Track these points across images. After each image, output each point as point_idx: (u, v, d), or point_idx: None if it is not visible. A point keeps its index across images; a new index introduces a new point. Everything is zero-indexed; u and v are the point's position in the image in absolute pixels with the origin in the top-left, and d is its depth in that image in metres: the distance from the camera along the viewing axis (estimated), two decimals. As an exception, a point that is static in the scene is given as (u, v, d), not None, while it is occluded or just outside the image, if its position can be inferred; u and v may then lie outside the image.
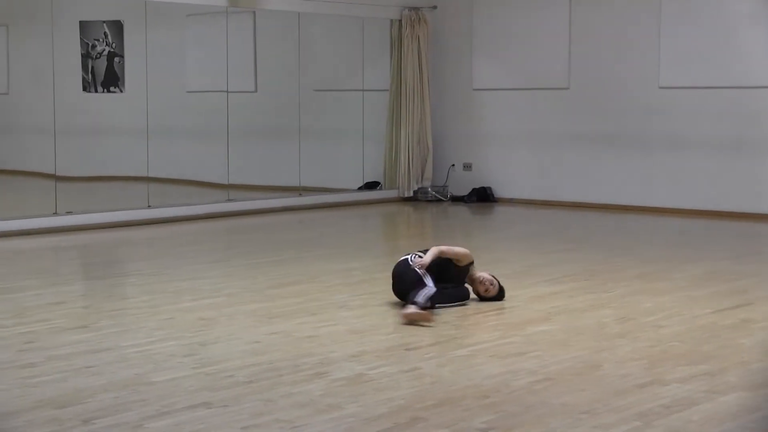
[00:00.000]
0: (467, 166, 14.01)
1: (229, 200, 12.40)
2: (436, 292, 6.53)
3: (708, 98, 11.98)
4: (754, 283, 7.80)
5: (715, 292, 7.43)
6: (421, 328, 6.20)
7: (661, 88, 12.32)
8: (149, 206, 11.59)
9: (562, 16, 13.00)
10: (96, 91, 12.25)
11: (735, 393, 4.89)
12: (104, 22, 12.14)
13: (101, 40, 12.15)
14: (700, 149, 12.12)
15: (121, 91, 12.22)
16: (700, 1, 11.96)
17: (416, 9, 13.75)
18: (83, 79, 12.12)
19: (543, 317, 6.59)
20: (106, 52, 12.16)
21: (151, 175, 11.84)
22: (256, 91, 13.50)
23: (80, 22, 12.07)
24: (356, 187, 13.99)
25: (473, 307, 6.87)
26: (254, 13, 12.86)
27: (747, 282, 7.85)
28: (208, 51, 12.91)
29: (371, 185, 14.07)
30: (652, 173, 12.48)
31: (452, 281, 6.90)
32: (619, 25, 12.63)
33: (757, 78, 11.61)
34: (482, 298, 6.98)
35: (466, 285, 7.00)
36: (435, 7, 13.97)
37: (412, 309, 6.33)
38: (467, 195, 13.78)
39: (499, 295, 6.99)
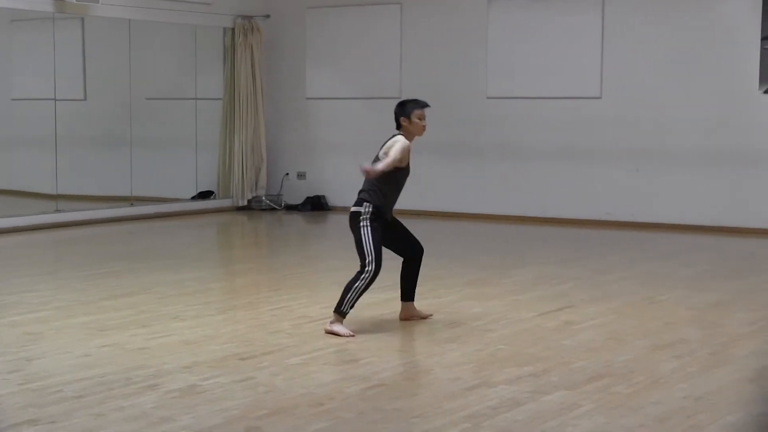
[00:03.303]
0: (301, 175, 14.06)
1: (58, 211, 12.08)
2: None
3: (534, 108, 12.40)
4: (575, 287, 8.12)
5: (540, 296, 7.70)
6: (254, 339, 6.20)
7: (488, 98, 12.68)
8: (-28, 218, 11.19)
9: (393, 26, 13.21)
10: None
11: (557, 392, 5.09)
12: None
13: None
14: (528, 157, 12.52)
15: (-60, 98, 11.78)
16: (526, 14, 12.36)
17: (249, 17, 13.72)
18: None
19: (375, 324, 6.69)
20: (-76, 57, 11.68)
21: (-26, 185, 11.44)
22: (85, 98, 13.20)
23: None
24: (190, 196, 13.85)
25: (307, 315, 6.91)
26: (83, 19, 12.57)
27: (569, 285, 8.16)
28: (35, 58, 12.55)
29: (205, 194, 13.95)
30: (483, 181, 12.81)
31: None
32: (448, 36, 12.92)
33: (576, 89, 12.09)
34: None
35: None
36: (268, 16, 13.97)
37: None
38: (301, 203, 13.83)
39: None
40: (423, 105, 6.59)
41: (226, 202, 13.80)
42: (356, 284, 6.35)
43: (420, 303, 6.99)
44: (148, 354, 5.81)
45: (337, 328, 6.30)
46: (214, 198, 13.91)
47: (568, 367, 5.59)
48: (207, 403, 4.88)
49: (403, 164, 6.42)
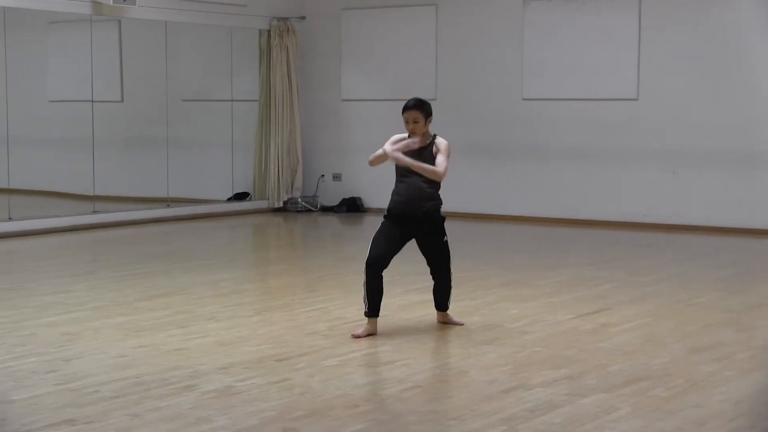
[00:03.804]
0: (337, 177, 14.08)
1: (95, 212, 12.16)
2: None
3: (569, 110, 12.34)
4: (612, 289, 8.06)
5: (576, 297, 7.65)
6: (289, 340, 6.21)
7: (524, 99, 12.63)
8: (10, 218, 11.27)
9: (428, 28, 13.20)
10: (-47, 99, 11.88)
11: (594, 395, 5.05)
12: (-39, 28, 11.79)
13: (-43, 46, 11.78)
14: (562, 159, 12.46)
15: (-20, 100, 11.88)
16: (562, 14, 12.30)
17: (285, 19, 13.75)
18: (-61, 87, 11.75)
19: (412, 325, 6.67)
20: (-37, 60, 11.80)
21: (13, 186, 11.53)
22: (122, 100, 13.29)
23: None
24: (225, 198, 13.90)
25: (343, 317, 6.91)
26: (119, 21, 12.66)
27: (605, 288, 8.10)
28: (72, 59, 12.65)
29: (241, 196, 14.00)
30: (517, 182, 12.76)
31: None
32: (484, 38, 12.88)
33: (612, 90, 12.01)
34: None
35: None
36: (304, 18, 14.00)
37: None
38: (337, 205, 13.84)
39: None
40: (404, 108, 6.35)
41: (262, 204, 13.83)
42: (364, 284, 6.38)
43: (456, 305, 6.96)
44: (184, 355, 5.83)
45: (364, 329, 6.36)
46: (250, 199, 13.95)
47: (605, 369, 5.54)
48: (243, 404, 4.89)
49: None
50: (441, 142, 6.37)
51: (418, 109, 6.28)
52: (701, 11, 11.61)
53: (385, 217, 6.49)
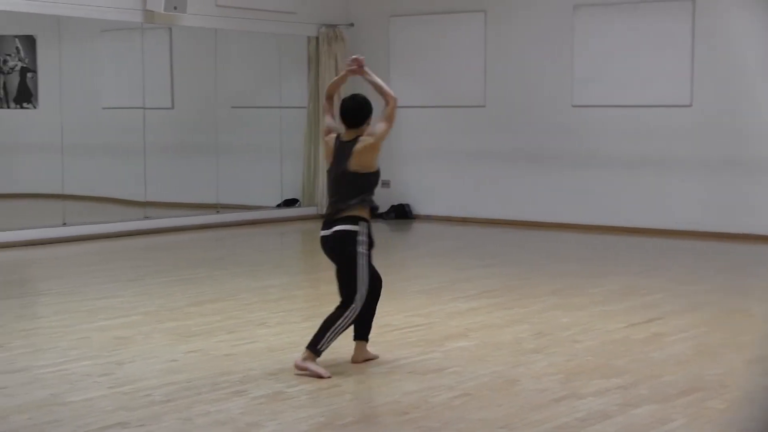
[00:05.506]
0: (385, 183, 14.06)
1: (146, 218, 12.27)
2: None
3: (620, 117, 12.24)
4: (663, 298, 7.97)
5: (628, 306, 7.57)
6: (338, 347, 6.21)
7: (574, 106, 12.55)
8: (64, 224, 11.41)
9: (477, 34, 13.17)
10: (8, 107, 12.05)
11: (647, 405, 4.99)
12: (16, 36, 11.96)
13: (13, 55, 11.96)
14: (612, 166, 12.36)
15: (35, 107, 12.05)
16: (613, 20, 12.21)
17: (333, 26, 13.79)
18: (-5, 94, 11.92)
19: (461, 333, 6.65)
20: (18, 68, 11.98)
21: (67, 192, 11.66)
22: (172, 107, 13.40)
23: (-9, 36, 11.88)
24: (274, 204, 13.96)
25: (391, 323, 6.90)
26: (170, 29, 12.77)
27: (657, 297, 8.02)
28: (124, 67, 12.78)
29: (290, 202, 14.05)
30: (566, 190, 12.67)
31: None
32: (533, 44, 12.83)
33: (665, 97, 11.90)
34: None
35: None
36: (352, 25, 14.03)
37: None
38: (385, 212, 13.84)
39: None
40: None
41: (311, 210, 13.86)
42: (338, 323, 5.54)
43: (505, 313, 6.92)
44: (234, 360, 5.86)
45: (312, 366, 5.48)
46: (299, 206, 13.99)
47: (658, 379, 5.48)
48: (293, 409, 4.90)
49: (374, 168, 5.76)
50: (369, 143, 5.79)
51: (355, 125, 5.94)
52: (755, 17, 11.46)
53: (369, 243, 5.72)
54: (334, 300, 5.84)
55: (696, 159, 11.86)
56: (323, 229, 5.70)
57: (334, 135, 5.91)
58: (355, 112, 5.89)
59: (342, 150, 5.74)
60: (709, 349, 6.23)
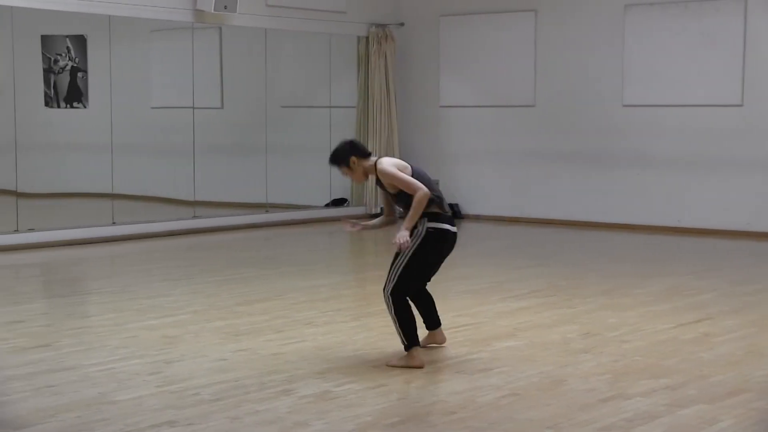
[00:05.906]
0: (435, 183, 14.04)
1: (195, 217, 12.36)
2: None
3: (671, 116, 12.12)
4: (713, 298, 7.88)
5: (676, 307, 7.50)
6: (386, 346, 6.21)
7: (624, 106, 12.45)
8: (114, 223, 11.53)
9: (527, 34, 13.10)
10: (59, 106, 12.18)
11: (695, 406, 4.94)
12: (67, 36, 12.08)
13: (64, 54, 12.08)
14: (663, 166, 12.24)
15: (85, 107, 12.17)
16: (664, 19, 12.09)
17: (383, 26, 13.80)
18: (45, 94, 12.05)
19: (509, 333, 6.62)
20: (69, 67, 12.10)
21: (116, 191, 11.77)
22: (222, 107, 13.48)
23: (42, 36, 11.99)
24: (323, 203, 14.00)
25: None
26: (220, 28, 12.85)
27: (707, 297, 7.93)
28: (174, 67, 12.87)
29: (338, 202, 14.08)
30: (616, 190, 12.58)
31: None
32: (583, 44, 12.74)
33: (716, 96, 11.76)
34: None
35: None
36: (402, 24, 14.03)
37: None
38: (434, 211, 13.80)
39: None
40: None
41: (360, 210, 13.88)
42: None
43: (553, 312, 6.88)
44: (282, 359, 5.88)
45: (394, 361, 5.81)
46: (348, 205, 14.02)
47: (706, 380, 5.42)
48: (340, 409, 4.90)
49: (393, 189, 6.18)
50: (381, 170, 6.05)
51: (335, 164, 5.99)
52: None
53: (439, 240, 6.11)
54: (382, 300, 5.86)
55: (747, 159, 11.71)
56: (454, 225, 6.34)
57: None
58: (333, 158, 6.04)
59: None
60: (758, 350, 6.15)
